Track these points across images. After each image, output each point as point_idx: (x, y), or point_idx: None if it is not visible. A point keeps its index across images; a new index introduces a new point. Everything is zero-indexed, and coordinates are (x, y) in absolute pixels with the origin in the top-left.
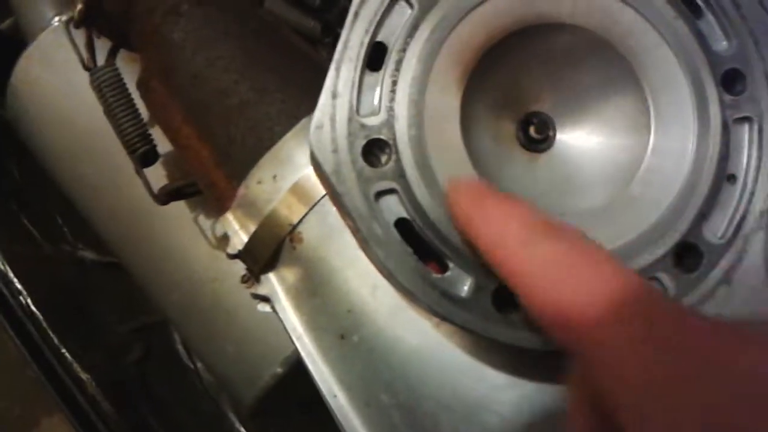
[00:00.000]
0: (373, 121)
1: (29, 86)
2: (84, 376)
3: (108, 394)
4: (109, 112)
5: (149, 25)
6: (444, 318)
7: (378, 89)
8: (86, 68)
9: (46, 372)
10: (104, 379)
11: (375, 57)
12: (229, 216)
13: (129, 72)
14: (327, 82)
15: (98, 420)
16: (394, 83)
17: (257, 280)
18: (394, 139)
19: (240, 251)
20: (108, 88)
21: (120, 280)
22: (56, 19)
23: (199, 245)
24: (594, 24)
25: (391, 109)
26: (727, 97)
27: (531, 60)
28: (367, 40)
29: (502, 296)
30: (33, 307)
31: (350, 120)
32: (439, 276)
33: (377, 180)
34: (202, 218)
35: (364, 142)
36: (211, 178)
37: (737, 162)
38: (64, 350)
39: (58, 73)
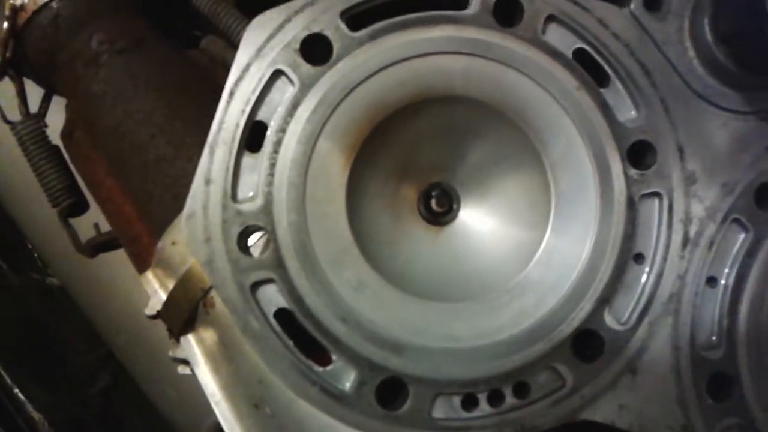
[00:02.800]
0: (249, 206)
1: None
2: (36, 416)
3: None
4: (32, 165)
5: (72, 75)
6: (326, 414)
7: (256, 172)
8: (6, 122)
9: None
10: (60, 417)
11: (253, 138)
12: (149, 275)
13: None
14: (200, 167)
15: None
16: (273, 165)
17: (177, 341)
18: (273, 226)
19: (158, 312)
20: (30, 141)
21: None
22: None
23: (140, 290)
24: (488, 96)
25: (269, 194)
26: (634, 172)
27: (428, 132)
28: (243, 121)
29: (387, 391)
30: None
31: (224, 207)
32: (321, 370)
33: (254, 270)
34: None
35: (239, 230)
36: (134, 232)
37: (645, 241)
38: (16, 390)
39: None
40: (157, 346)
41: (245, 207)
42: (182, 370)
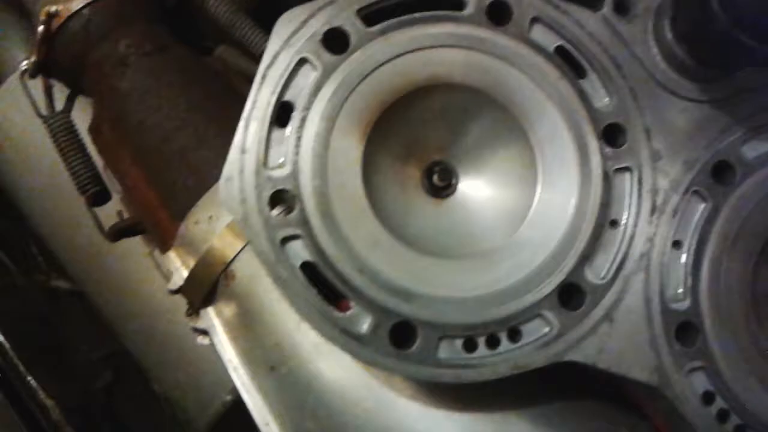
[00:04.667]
0: (279, 173)
1: None
2: (49, 402)
3: (73, 420)
4: (62, 156)
5: (99, 75)
6: (346, 352)
7: (284, 144)
8: (39, 115)
9: (11, 397)
10: (70, 405)
11: (282, 115)
12: (172, 254)
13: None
14: (236, 138)
15: None
16: (299, 138)
17: (197, 314)
18: (299, 190)
19: (180, 287)
20: (60, 133)
21: (92, 308)
22: (25, 63)
23: (154, 278)
24: (483, 84)
25: (296, 163)
26: (608, 150)
27: (431, 115)
28: (273, 100)
29: (399, 333)
30: (0, 337)
31: (257, 173)
32: (341, 315)
33: (283, 227)
34: (156, 252)
35: (270, 192)
36: (156, 217)
37: (619, 208)
38: (29, 378)
39: (26, 115)
40: (167, 333)
41: (275, 173)
42: (201, 340)
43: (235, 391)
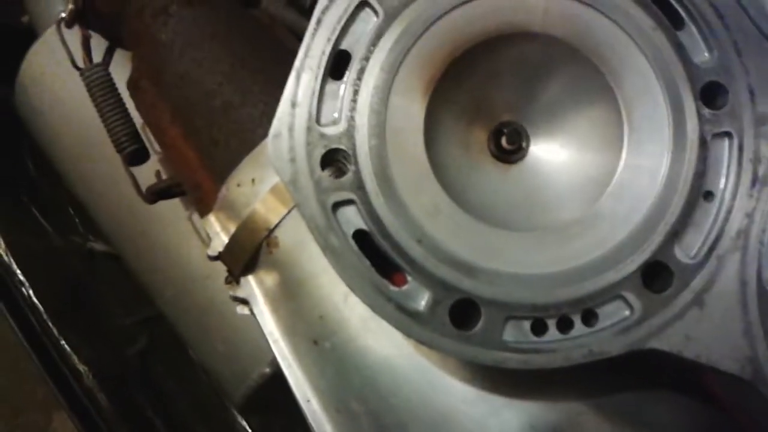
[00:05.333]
0: (332, 130)
1: (36, 82)
2: (82, 367)
3: (105, 385)
4: (99, 111)
5: (139, 25)
6: (400, 331)
7: (339, 98)
8: (76, 67)
9: (44, 362)
10: (103, 371)
11: (337, 65)
12: (211, 218)
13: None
14: (286, 90)
15: (94, 411)
16: (356, 92)
17: (237, 282)
18: (354, 150)
19: (220, 253)
20: (97, 87)
21: (128, 272)
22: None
23: (193, 243)
24: (566, 33)
25: (351, 119)
26: (707, 112)
27: (502, 69)
28: (329, 49)
29: (460, 311)
30: (34, 299)
31: (309, 129)
32: (396, 289)
33: (335, 190)
34: (195, 216)
35: (323, 151)
36: (196, 178)
37: (715, 179)
38: (63, 342)
39: (63, 70)
40: (206, 300)
41: (329, 130)
42: (241, 310)
43: (274, 364)
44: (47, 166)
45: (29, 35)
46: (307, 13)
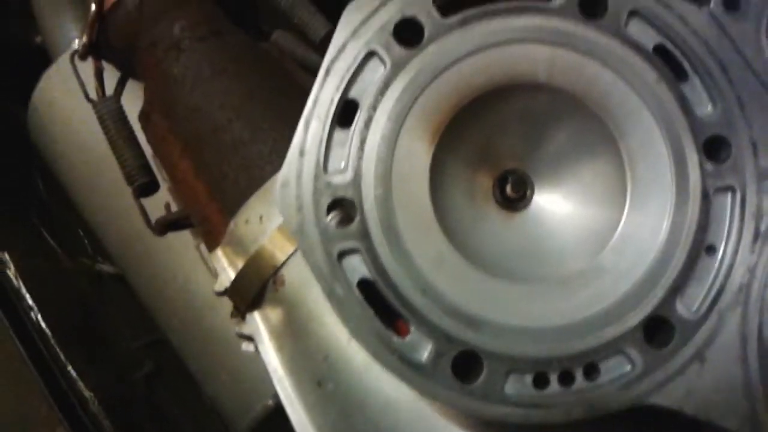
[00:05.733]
0: (339, 179)
1: (48, 106)
2: (87, 394)
3: (111, 412)
4: (110, 143)
5: (152, 58)
6: (403, 382)
7: (347, 147)
8: (89, 100)
9: (51, 388)
10: (108, 397)
11: (345, 113)
12: (219, 252)
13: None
14: (295, 139)
15: None
16: (363, 141)
17: (243, 318)
18: (360, 199)
19: (227, 289)
20: (110, 120)
21: (136, 296)
22: (76, 43)
23: (200, 272)
24: (571, 85)
25: (358, 168)
26: (709, 165)
27: (508, 119)
28: (337, 98)
29: (462, 363)
30: (42, 324)
31: (316, 178)
32: (400, 340)
33: (341, 239)
34: (203, 246)
35: (329, 200)
36: (205, 212)
37: (717, 233)
38: (69, 367)
39: (75, 96)
40: (211, 330)
41: (335, 179)
42: (246, 347)
43: (277, 397)
44: (57, 188)
45: (43, 55)
46: (317, 47)
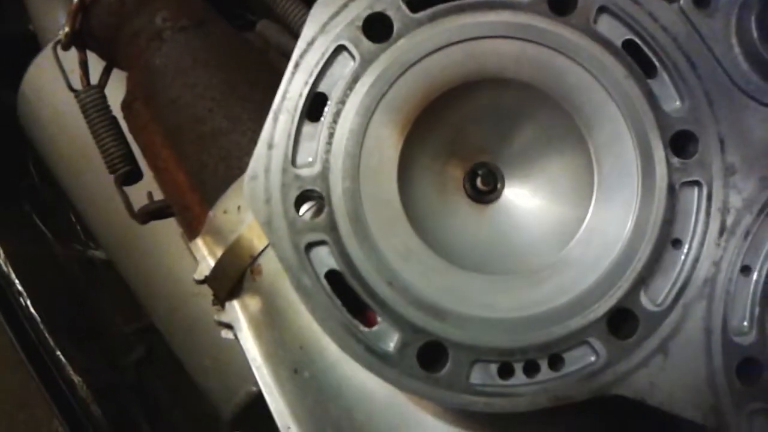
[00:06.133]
0: (307, 172)
1: (37, 93)
2: (76, 378)
3: (100, 397)
4: (93, 132)
5: (135, 48)
6: (369, 371)
7: (315, 140)
8: (71, 89)
9: (40, 373)
10: (98, 381)
11: (314, 107)
12: (199, 242)
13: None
14: (263, 132)
15: (87, 422)
16: (331, 135)
17: (222, 306)
18: (328, 191)
19: (206, 277)
20: (92, 109)
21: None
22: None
23: (184, 260)
24: (539, 80)
25: (326, 161)
26: (676, 160)
27: (478, 112)
28: (306, 91)
29: (428, 354)
30: (32, 309)
31: (285, 171)
32: (366, 330)
33: (308, 231)
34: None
35: (297, 193)
36: (185, 201)
37: (683, 227)
38: (58, 352)
39: (63, 84)
40: (196, 316)
41: (304, 172)
42: (225, 334)
43: None
44: (49, 173)
45: (36, 42)
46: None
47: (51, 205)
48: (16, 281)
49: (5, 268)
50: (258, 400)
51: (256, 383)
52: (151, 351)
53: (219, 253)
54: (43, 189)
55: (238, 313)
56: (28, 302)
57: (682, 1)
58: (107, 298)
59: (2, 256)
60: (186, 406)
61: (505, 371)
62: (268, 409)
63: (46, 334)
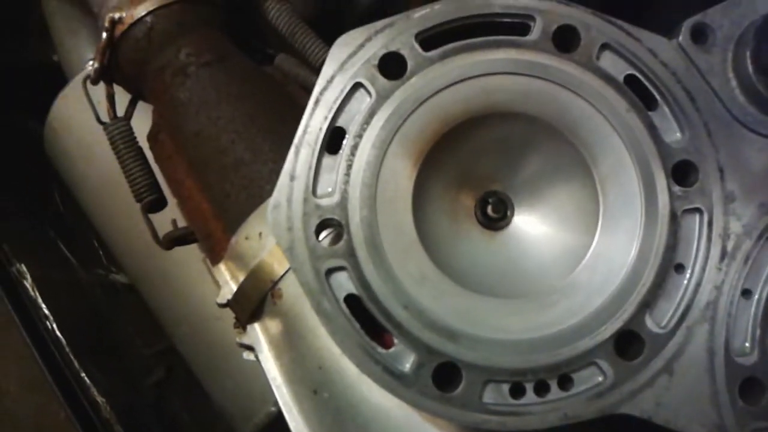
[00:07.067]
0: (327, 201)
1: (64, 124)
2: (100, 399)
3: (122, 417)
4: (120, 163)
5: (160, 83)
6: (387, 391)
7: (334, 172)
8: (100, 122)
9: (65, 394)
10: (120, 402)
11: (333, 141)
12: (222, 267)
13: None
14: (286, 164)
15: None
16: (350, 167)
17: (244, 329)
18: (347, 220)
19: (228, 301)
20: (120, 140)
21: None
22: (89, 68)
23: (206, 284)
24: (545, 114)
25: (345, 191)
26: (677, 189)
27: (487, 144)
28: (326, 126)
29: (442, 374)
30: (58, 332)
31: (306, 200)
32: (384, 351)
33: (328, 257)
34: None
35: (318, 221)
36: (208, 228)
37: (685, 252)
38: (83, 374)
39: (89, 116)
40: (217, 338)
41: (323, 202)
42: (247, 356)
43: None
44: (74, 201)
45: (61, 73)
46: (317, 70)
47: (74, 231)
48: (43, 305)
49: (32, 293)
50: (277, 420)
51: (275, 404)
52: (171, 372)
53: (241, 277)
54: (67, 216)
55: (259, 335)
56: (54, 325)
57: (680, 38)
58: (128, 322)
59: (29, 280)
60: (204, 426)
61: (517, 391)
62: (285, 429)
63: (72, 357)
